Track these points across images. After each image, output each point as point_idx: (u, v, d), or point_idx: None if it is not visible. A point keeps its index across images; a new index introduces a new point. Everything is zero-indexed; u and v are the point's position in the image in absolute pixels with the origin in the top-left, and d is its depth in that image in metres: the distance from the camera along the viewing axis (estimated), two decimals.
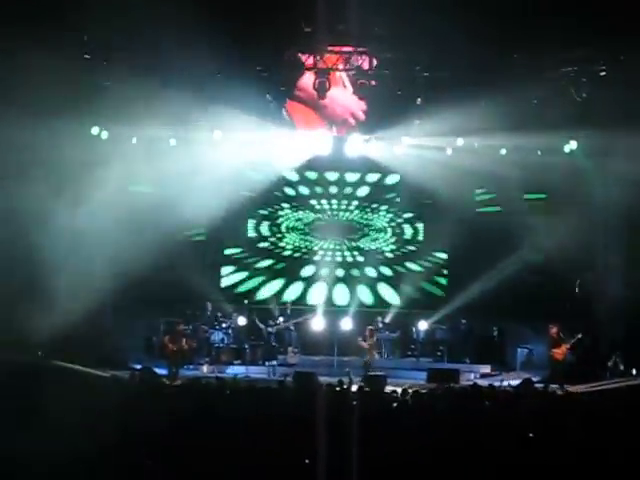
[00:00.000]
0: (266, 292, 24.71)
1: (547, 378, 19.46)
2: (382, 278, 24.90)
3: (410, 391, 13.84)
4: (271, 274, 24.92)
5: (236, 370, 21.38)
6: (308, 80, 20.04)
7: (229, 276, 24.97)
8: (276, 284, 24.86)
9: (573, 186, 21.45)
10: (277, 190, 24.96)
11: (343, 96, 21.14)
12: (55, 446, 8.64)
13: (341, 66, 19.44)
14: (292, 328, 22.86)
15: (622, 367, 20.64)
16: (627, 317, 21.16)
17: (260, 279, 24.90)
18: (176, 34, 16.72)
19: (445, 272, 24.74)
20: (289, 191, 25.07)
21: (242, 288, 24.87)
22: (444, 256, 24.60)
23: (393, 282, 24.77)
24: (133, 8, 16.22)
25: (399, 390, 14.19)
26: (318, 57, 19.09)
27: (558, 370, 19.88)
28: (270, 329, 22.34)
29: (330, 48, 19.08)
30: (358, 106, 21.34)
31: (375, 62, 19.30)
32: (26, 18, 15.72)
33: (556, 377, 19.46)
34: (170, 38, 16.90)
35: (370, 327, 21.66)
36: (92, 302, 21.37)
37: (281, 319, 22.62)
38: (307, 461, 8.61)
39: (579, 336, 19.99)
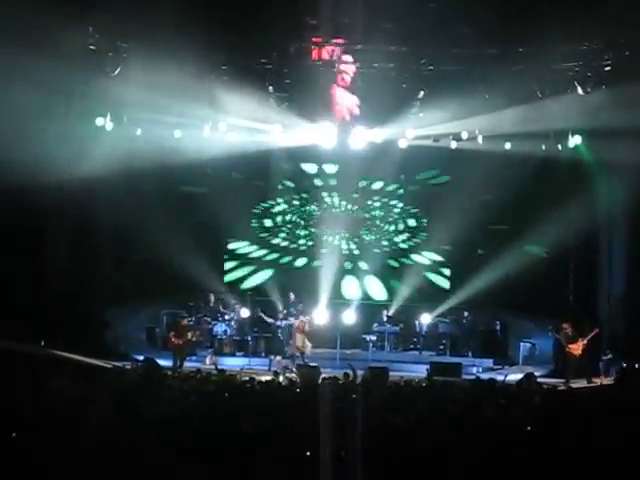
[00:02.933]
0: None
1: (566, 374, 19.56)
2: (387, 270, 24.92)
3: (412, 384, 13.90)
4: (277, 267, 24.97)
5: (239, 362, 21.39)
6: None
7: (233, 272, 25.05)
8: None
9: (576, 181, 21.45)
10: (281, 182, 25.00)
11: (340, 92, 21.03)
12: (55, 437, 8.70)
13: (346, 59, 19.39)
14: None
15: (621, 363, 20.61)
16: (628, 313, 21.14)
17: (265, 272, 24.95)
18: (181, 26, 16.70)
19: (448, 264, 24.77)
20: (292, 184, 25.09)
21: (247, 284, 24.91)
22: (448, 248, 24.61)
23: (398, 274, 24.78)
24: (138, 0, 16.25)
25: (401, 383, 14.24)
26: (324, 50, 19.08)
27: (576, 365, 19.85)
28: (279, 322, 22.31)
29: (335, 41, 19.05)
30: (353, 101, 21.22)
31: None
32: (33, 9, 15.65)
33: (573, 372, 19.54)
34: (175, 30, 16.86)
35: (303, 319, 21.55)
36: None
37: (284, 312, 22.51)
38: (308, 453, 8.63)
39: (596, 331, 20.01)
